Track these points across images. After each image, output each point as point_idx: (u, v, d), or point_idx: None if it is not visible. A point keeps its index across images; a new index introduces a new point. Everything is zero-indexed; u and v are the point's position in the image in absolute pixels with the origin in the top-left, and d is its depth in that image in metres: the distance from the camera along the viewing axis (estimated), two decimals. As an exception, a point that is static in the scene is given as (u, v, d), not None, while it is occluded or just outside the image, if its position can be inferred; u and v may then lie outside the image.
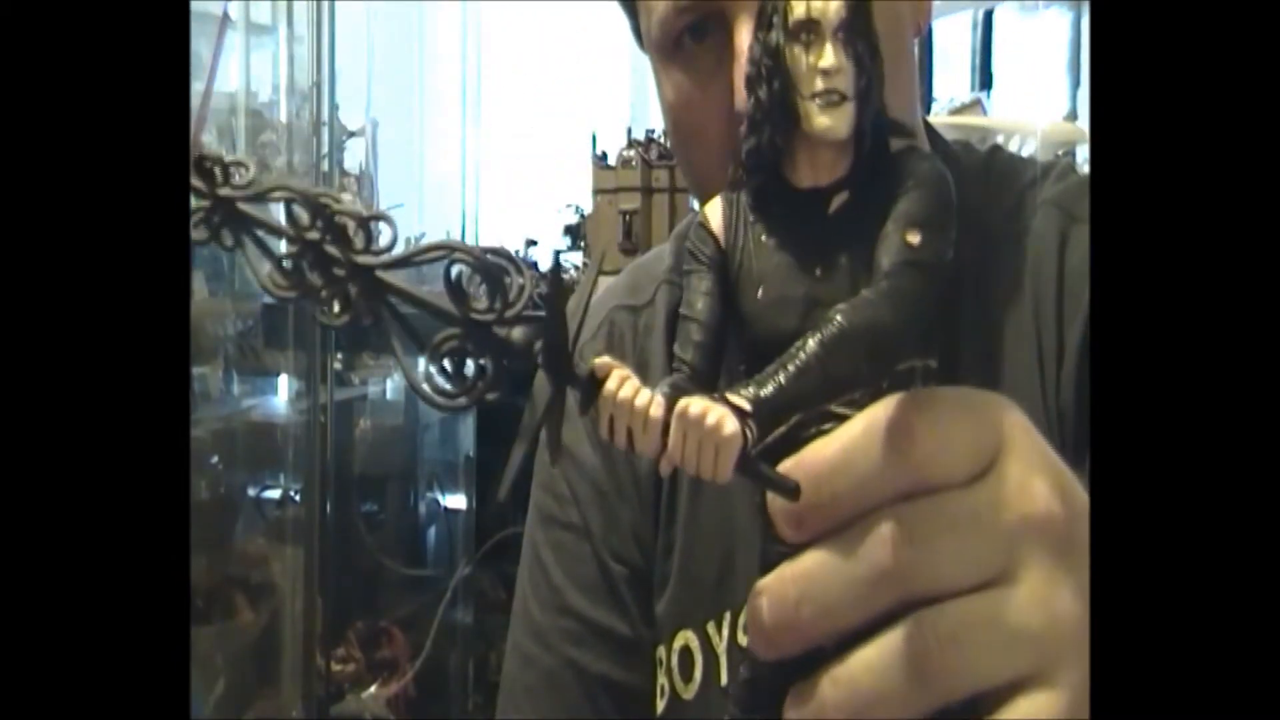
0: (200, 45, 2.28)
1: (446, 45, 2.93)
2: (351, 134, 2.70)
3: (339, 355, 2.52)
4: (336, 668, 2.44)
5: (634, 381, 0.43)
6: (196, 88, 2.24)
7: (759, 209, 0.49)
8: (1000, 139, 1.82)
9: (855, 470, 0.43)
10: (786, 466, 0.43)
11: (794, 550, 0.44)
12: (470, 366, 0.43)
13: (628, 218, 2.64)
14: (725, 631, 0.81)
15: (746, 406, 0.42)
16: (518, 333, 0.43)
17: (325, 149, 2.43)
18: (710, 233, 0.49)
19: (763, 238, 0.48)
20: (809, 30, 0.46)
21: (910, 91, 0.80)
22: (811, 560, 0.43)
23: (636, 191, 2.65)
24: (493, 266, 0.42)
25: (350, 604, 2.56)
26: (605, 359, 0.43)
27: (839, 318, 0.44)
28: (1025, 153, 1.80)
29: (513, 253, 0.42)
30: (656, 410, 0.42)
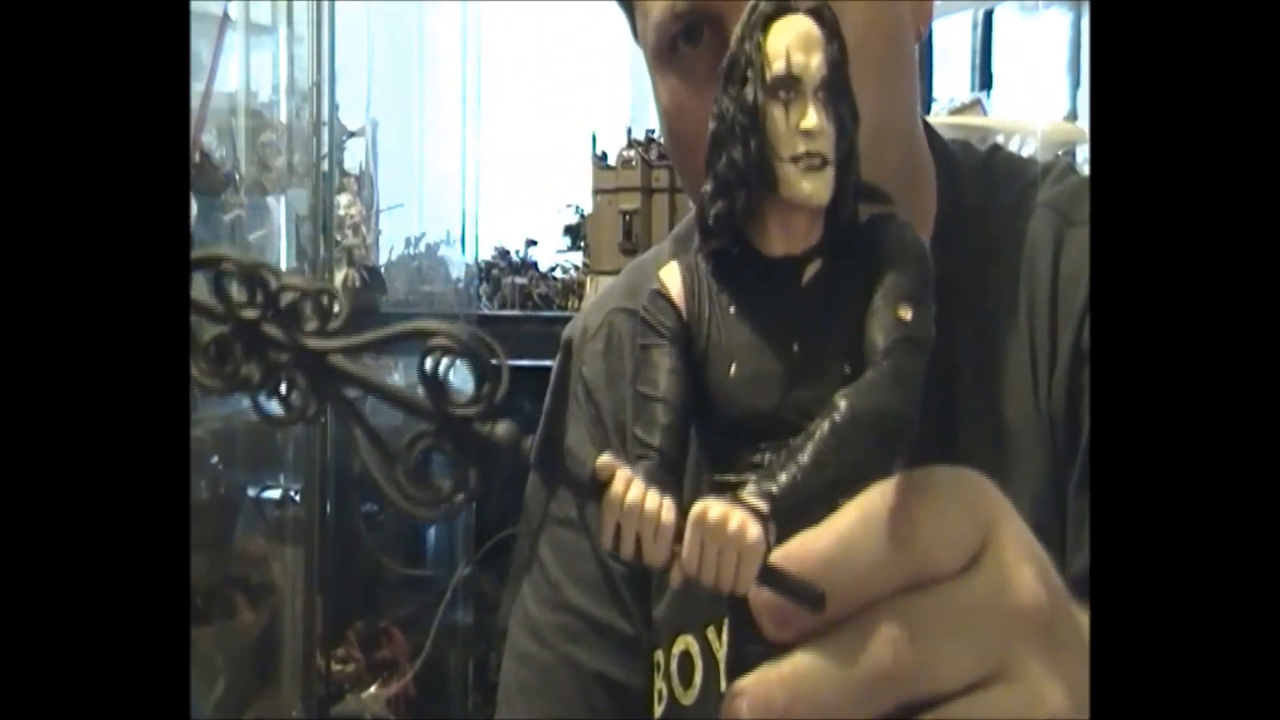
0: (200, 45, 2.28)
1: (446, 45, 2.93)
2: (351, 134, 2.70)
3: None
4: (336, 668, 2.44)
5: (640, 482, 0.39)
6: (196, 88, 2.23)
7: (724, 277, 0.45)
8: (1000, 139, 1.82)
9: (854, 563, 0.40)
10: (773, 560, 0.39)
11: (773, 649, 0.40)
12: (441, 462, 0.37)
13: (628, 218, 2.64)
14: (725, 636, 0.80)
15: (764, 507, 0.39)
16: (503, 429, 0.37)
17: (325, 149, 2.43)
18: (670, 302, 0.45)
19: (731, 309, 0.44)
20: (789, 88, 0.43)
21: (911, 96, 0.79)
22: (802, 661, 0.40)
23: (636, 191, 2.65)
24: (478, 351, 0.36)
25: (350, 604, 2.55)
26: (607, 458, 0.39)
27: (845, 403, 0.40)
28: (1025, 153, 1.80)
29: (488, 338, 0.37)
30: (668, 515, 0.38)
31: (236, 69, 2.57)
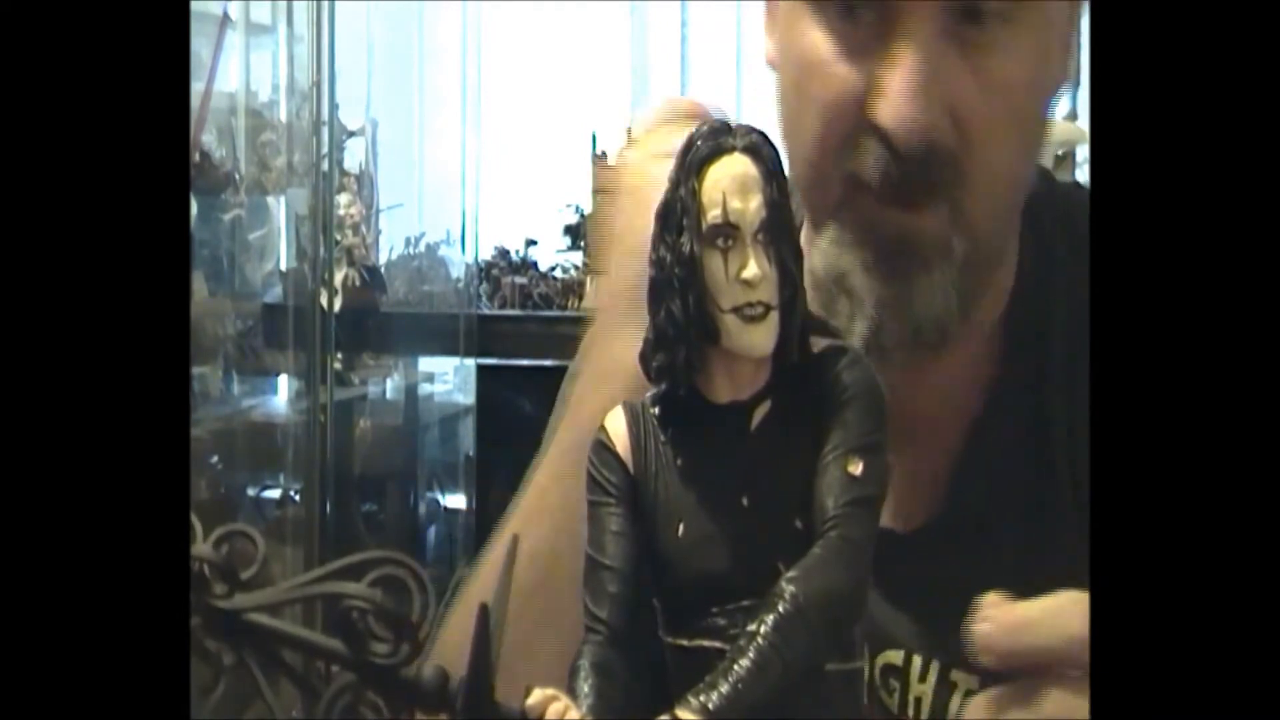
0: (200, 45, 2.28)
1: (446, 45, 2.93)
2: (351, 134, 2.70)
3: (339, 355, 2.52)
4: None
5: (574, 711, 0.38)
6: (196, 88, 2.23)
7: (671, 426, 0.44)
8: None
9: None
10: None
11: None
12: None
13: (628, 217, 2.63)
14: None
15: None
16: (429, 671, 0.36)
17: (325, 149, 2.43)
18: (615, 455, 0.44)
19: (678, 461, 0.43)
20: (727, 235, 0.42)
21: (1036, 156, 0.70)
22: None
23: (637, 191, 2.64)
24: (387, 605, 0.35)
25: (350, 604, 2.55)
26: (542, 692, 0.38)
27: (791, 590, 0.39)
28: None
29: (410, 560, 0.37)
30: None
31: (236, 69, 2.57)
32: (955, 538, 0.68)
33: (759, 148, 0.43)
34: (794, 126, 0.68)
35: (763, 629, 0.39)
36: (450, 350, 2.79)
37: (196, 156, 2.29)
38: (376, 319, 2.64)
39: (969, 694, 0.67)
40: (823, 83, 0.65)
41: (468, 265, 2.91)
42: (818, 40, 0.65)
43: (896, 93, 0.61)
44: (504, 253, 3.01)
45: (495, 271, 2.95)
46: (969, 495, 0.69)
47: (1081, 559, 0.69)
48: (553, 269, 2.95)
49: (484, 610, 0.36)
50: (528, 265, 2.97)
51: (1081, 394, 0.70)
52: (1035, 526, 0.70)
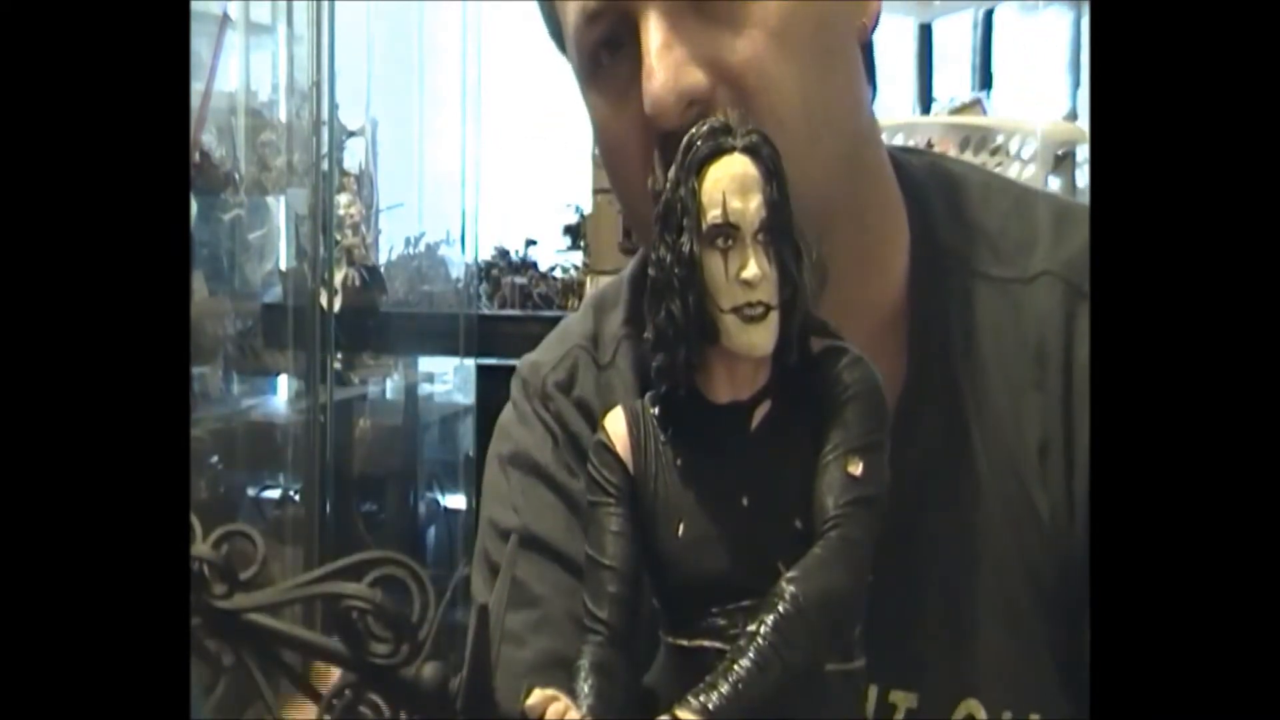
0: (200, 45, 2.28)
1: (446, 45, 2.92)
2: (351, 134, 2.70)
3: (339, 355, 2.52)
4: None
5: (574, 711, 0.38)
6: (196, 88, 2.23)
7: (670, 426, 0.44)
8: (1000, 139, 1.81)
9: None
10: None
11: None
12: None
13: (628, 218, 2.63)
14: None
15: None
16: (429, 671, 0.36)
17: (325, 149, 2.43)
18: (615, 456, 0.45)
19: (678, 461, 0.44)
20: (727, 235, 0.42)
21: (853, 94, 0.70)
22: None
23: (636, 191, 2.64)
24: (388, 605, 0.36)
25: (350, 604, 2.54)
26: (542, 692, 0.38)
27: (791, 590, 0.39)
28: (1026, 153, 1.79)
29: (410, 561, 0.37)
30: None
31: (236, 69, 2.57)
32: (885, 557, 0.63)
33: (759, 148, 0.43)
34: (614, 180, 0.71)
35: (763, 629, 0.39)
36: (450, 350, 2.79)
37: (196, 156, 2.29)
38: (376, 319, 2.64)
39: (909, 713, 0.66)
40: (613, 134, 0.67)
41: (468, 265, 2.91)
42: (597, 101, 0.69)
43: (648, 73, 0.62)
44: (504, 253, 3.01)
45: (495, 271, 2.95)
46: (895, 510, 0.66)
47: (1010, 557, 0.67)
48: (553, 269, 2.95)
49: (484, 610, 0.36)
50: (528, 265, 2.97)
51: (985, 389, 0.69)
52: (962, 532, 0.68)
